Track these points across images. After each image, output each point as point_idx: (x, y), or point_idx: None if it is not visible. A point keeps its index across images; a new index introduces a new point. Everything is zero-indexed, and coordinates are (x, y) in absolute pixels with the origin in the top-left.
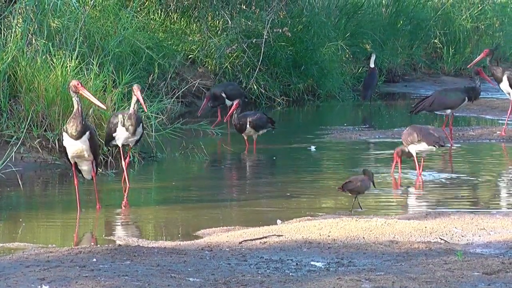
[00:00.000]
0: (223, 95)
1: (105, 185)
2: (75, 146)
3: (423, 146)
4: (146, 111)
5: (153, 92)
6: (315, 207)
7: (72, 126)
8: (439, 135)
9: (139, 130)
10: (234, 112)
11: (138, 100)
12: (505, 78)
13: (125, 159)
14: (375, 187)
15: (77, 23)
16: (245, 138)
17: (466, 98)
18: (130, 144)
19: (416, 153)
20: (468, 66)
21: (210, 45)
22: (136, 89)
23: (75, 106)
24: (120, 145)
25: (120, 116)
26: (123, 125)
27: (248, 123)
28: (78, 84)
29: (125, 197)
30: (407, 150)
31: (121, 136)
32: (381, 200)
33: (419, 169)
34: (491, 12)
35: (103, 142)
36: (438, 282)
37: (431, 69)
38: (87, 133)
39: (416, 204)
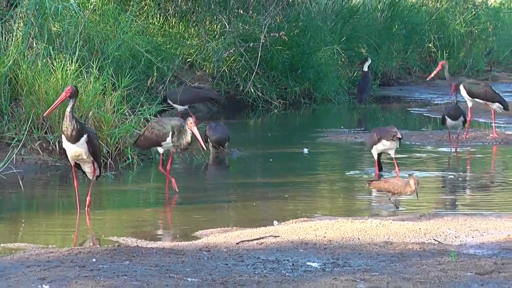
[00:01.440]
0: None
1: (104, 186)
2: (73, 149)
3: (384, 144)
4: (204, 148)
5: (152, 95)
6: (311, 209)
7: (66, 130)
8: (395, 129)
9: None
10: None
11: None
12: (461, 88)
13: (166, 165)
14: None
15: (77, 27)
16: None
17: (446, 117)
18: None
19: (383, 153)
20: (426, 80)
21: (208, 49)
22: (191, 124)
23: (67, 110)
24: (161, 151)
25: (171, 126)
26: (173, 139)
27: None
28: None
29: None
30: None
31: (167, 146)
32: (375, 201)
33: (397, 167)
34: (484, 17)
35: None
36: (432, 283)
37: (425, 73)
38: (85, 136)
39: (410, 206)
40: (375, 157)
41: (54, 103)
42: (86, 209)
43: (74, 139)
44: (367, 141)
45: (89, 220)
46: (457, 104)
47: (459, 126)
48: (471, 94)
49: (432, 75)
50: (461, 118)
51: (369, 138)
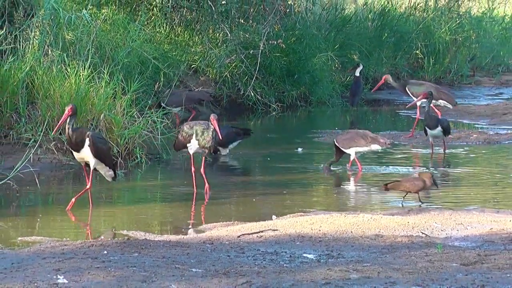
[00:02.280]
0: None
1: (115, 183)
2: (77, 155)
3: (372, 147)
4: (220, 138)
5: (159, 98)
6: (307, 204)
7: (69, 143)
8: (377, 136)
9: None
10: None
11: (214, 129)
12: (407, 89)
13: (200, 167)
14: (437, 187)
15: (90, 35)
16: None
17: (426, 128)
18: (202, 153)
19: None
20: (372, 91)
21: (211, 55)
22: (212, 118)
23: (67, 126)
24: (191, 153)
25: (195, 129)
26: (197, 139)
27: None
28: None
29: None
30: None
31: (193, 147)
32: (366, 196)
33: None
34: (468, 26)
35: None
36: (419, 273)
37: (413, 77)
38: (87, 141)
39: (399, 201)
40: (354, 156)
41: (60, 122)
42: (68, 208)
43: (76, 148)
44: (346, 142)
45: (74, 217)
46: (431, 113)
47: (440, 135)
48: (416, 95)
49: (376, 87)
50: (439, 128)
51: (351, 141)
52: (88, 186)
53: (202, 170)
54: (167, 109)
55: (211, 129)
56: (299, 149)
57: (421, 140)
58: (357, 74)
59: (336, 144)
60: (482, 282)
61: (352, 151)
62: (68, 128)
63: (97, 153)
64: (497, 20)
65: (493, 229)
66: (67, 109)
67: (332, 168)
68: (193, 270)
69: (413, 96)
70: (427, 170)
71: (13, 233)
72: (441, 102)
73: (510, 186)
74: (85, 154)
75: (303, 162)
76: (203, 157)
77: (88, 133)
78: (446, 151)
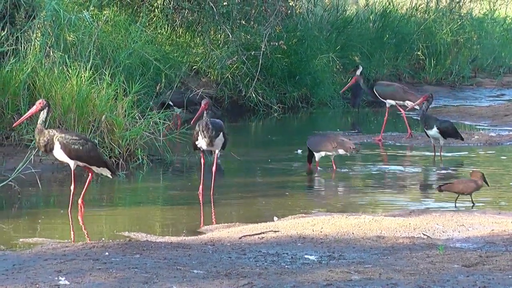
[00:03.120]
0: (170, 103)
1: (116, 185)
2: (52, 157)
3: (339, 152)
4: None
5: (161, 100)
6: (309, 205)
7: (38, 144)
8: (347, 141)
9: (217, 142)
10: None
11: (207, 112)
12: (375, 91)
13: (211, 165)
14: (488, 185)
15: (91, 37)
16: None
17: (425, 129)
18: (213, 150)
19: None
20: (341, 92)
21: (213, 57)
22: (203, 103)
23: (38, 122)
24: (203, 149)
25: (199, 125)
26: (202, 137)
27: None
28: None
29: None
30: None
31: (201, 144)
32: (367, 197)
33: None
34: (469, 27)
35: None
36: (421, 274)
37: (414, 79)
38: (56, 145)
39: (400, 202)
40: (318, 159)
41: (24, 115)
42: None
43: (45, 150)
44: (313, 146)
45: (75, 219)
46: (426, 114)
47: (437, 136)
48: (383, 96)
49: (345, 88)
50: (435, 129)
51: (319, 145)
52: (72, 191)
53: (213, 168)
54: (171, 109)
55: (205, 121)
56: (299, 151)
57: (422, 141)
58: (358, 74)
59: (308, 146)
60: (484, 283)
61: (319, 155)
62: (39, 127)
63: (74, 155)
64: (499, 22)
65: (495, 230)
66: (37, 103)
67: (319, 168)
68: (194, 272)
69: (380, 97)
70: (477, 169)
71: (15, 235)
72: (408, 103)
73: (511, 188)
74: (59, 156)
75: (304, 163)
76: (215, 156)
77: (57, 135)
78: (454, 153)
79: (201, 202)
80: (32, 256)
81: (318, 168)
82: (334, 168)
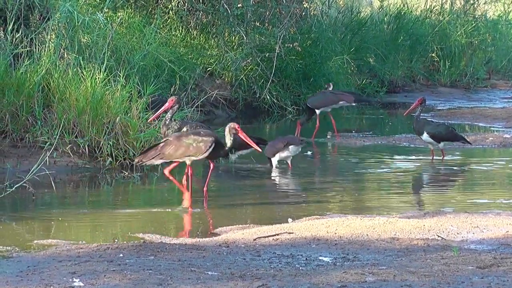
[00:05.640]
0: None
1: (131, 186)
2: None
3: (290, 150)
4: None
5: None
6: (323, 207)
7: None
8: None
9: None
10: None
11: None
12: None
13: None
14: None
15: (105, 38)
16: None
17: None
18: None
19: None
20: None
21: (227, 58)
22: (169, 100)
23: None
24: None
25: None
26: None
27: None
28: (237, 127)
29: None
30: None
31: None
32: (382, 199)
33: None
34: (484, 29)
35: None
36: (435, 276)
37: (429, 80)
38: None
39: (415, 204)
40: (275, 163)
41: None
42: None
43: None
44: (268, 151)
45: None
46: (418, 118)
47: (429, 141)
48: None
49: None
50: (425, 134)
51: (271, 148)
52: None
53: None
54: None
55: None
56: (309, 152)
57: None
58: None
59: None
60: (498, 285)
61: (275, 159)
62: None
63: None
64: None
65: (509, 232)
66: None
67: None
68: (208, 273)
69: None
70: None
71: (29, 236)
72: (341, 103)
73: None
74: None
75: (318, 165)
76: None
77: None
78: (467, 155)
79: (205, 202)
80: (46, 257)
81: (290, 167)
82: (290, 167)
